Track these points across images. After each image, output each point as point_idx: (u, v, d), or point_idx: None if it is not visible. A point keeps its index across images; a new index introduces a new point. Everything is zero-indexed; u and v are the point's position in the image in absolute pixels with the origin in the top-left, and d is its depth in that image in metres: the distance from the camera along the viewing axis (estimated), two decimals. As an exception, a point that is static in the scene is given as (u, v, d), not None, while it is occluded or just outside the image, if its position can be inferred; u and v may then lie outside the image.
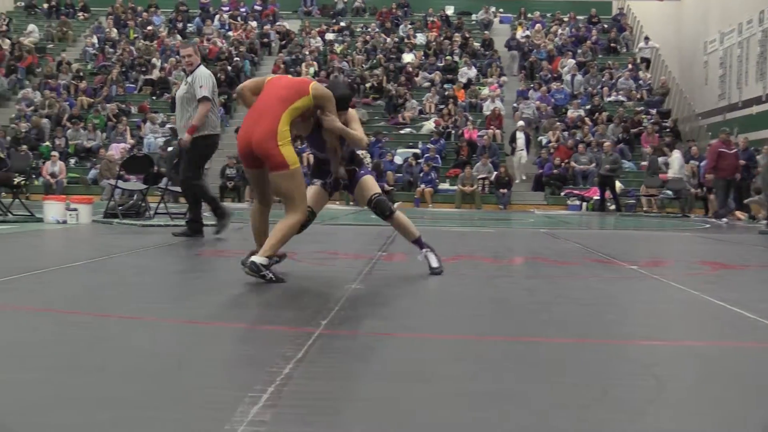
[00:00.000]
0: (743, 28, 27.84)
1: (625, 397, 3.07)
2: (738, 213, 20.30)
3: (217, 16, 35.72)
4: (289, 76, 6.39)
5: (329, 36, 34.66)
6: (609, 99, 29.96)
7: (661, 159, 24.93)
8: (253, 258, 5.76)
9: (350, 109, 6.37)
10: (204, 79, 9.56)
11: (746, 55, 27.47)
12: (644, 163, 25.64)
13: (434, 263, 6.49)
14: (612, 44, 34.04)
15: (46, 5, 37.17)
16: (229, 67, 31.07)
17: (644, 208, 23.61)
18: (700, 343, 4.30)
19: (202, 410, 2.76)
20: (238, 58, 32.06)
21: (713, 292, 5.89)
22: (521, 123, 27.06)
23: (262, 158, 5.80)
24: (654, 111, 28.87)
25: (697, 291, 5.96)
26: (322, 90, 6.02)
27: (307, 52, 32.73)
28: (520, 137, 26.30)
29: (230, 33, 34.62)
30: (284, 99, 5.85)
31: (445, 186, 25.99)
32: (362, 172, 6.57)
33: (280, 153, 5.69)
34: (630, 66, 31.51)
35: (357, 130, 6.25)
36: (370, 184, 6.53)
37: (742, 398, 3.09)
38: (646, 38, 33.27)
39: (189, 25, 35.70)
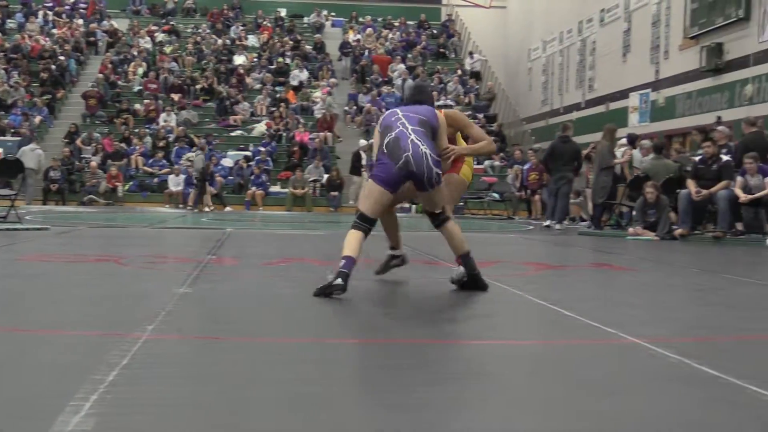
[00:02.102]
0: (564, 37, 28.98)
1: (458, 396, 3.13)
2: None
3: (41, 13, 34.49)
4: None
5: (159, 36, 34.03)
6: (438, 103, 30.57)
7: (486, 162, 25.54)
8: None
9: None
10: None
11: (567, 63, 28.58)
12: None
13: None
14: (441, 50, 34.80)
15: None
16: (54, 66, 30.08)
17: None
18: (526, 342, 4.45)
19: (21, 421, 2.67)
20: (63, 57, 31.07)
21: (535, 292, 6.11)
22: (363, 142, 26.66)
23: None
24: (481, 115, 29.67)
25: (521, 291, 6.17)
26: None
27: (135, 53, 32.05)
28: (365, 159, 26.09)
29: (54, 30, 33.49)
30: None
31: (276, 189, 25.92)
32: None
33: None
34: (459, 71, 32.28)
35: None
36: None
37: (570, 394, 3.21)
38: (471, 53, 33.95)
39: (9, 21, 34.35)
